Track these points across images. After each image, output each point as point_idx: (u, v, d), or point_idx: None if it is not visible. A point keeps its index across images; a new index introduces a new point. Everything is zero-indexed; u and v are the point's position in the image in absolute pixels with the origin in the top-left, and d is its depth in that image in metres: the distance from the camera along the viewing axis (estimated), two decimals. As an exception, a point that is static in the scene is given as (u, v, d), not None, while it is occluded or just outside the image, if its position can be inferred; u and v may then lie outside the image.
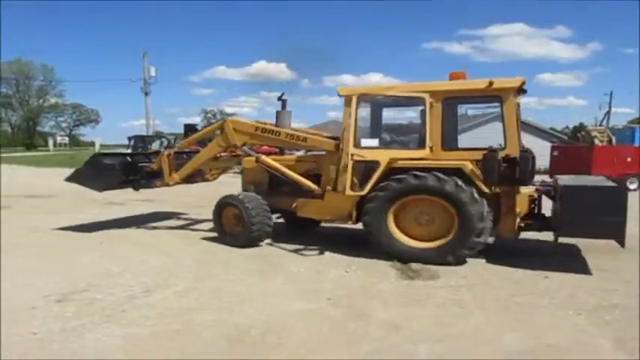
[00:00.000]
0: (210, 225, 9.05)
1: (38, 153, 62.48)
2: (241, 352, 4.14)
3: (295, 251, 7.84)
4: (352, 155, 7.48)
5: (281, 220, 9.33)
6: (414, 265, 7.00)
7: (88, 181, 9.70)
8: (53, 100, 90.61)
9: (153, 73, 37.77)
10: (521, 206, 7.36)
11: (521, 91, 7.56)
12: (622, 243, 6.71)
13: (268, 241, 8.40)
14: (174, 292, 5.71)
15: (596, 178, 9.87)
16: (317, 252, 7.80)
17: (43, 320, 4.72)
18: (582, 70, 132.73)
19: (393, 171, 7.27)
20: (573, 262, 7.28)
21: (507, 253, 7.61)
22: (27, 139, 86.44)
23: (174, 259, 7.26)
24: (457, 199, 6.88)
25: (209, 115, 77.46)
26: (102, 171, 9.58)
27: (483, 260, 7.18)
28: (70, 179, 9.96)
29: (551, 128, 42.01)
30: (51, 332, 4.44)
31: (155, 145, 24.58)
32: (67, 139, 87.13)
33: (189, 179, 10.01)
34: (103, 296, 5.48)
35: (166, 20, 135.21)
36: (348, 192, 7.52)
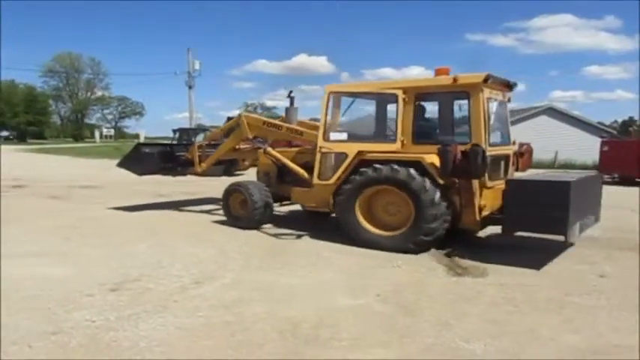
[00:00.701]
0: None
1: (85, 144, 64.48)
2: (295, 345, 4.15)
3: (342, 246, 7.81)
4: (321, 148, 8.16)
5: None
6: (462, 262, 6.93)
7: (132, 166, 11.00)
8: (100, 93, 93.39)
9: (197, 67, 38.35)
10: (490, 200, 7.50)
11: (508, 86, 8.08)
12: (566, 238, 6.65)
13: (313, 235, 8.45)
14: (222, 284, 5.77)
15: (556, 173, 9.69)
16: (366, 248, 7.75)
17: (100, 308, 4.84)
18: (632, 62, 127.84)
19: (364, 163, 7.66)
20: (625, 260, 7.05)
21: (556, 251, 7.41)
22: (75, 130, 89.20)
23: (221, 252, 7.34)
24: (410, 188, 7.24)
25: (249, 108, 78.28)
26: (143, 158, 10.83)
27: (532, 258, 7.01)
28: (119, 164, 11.26)
29: (599, 122, 40.72)
30: (108, 320, 4.54)
31: (199, 138, 24.96)
32: (112, 131, 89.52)
33: (228, 171, 11.22)
34: (155, 286, 5.59)
35: (209, 15, 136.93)
36: (316, 181, 8.28)
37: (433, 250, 7.49)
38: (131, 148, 11.45)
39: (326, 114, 8.28)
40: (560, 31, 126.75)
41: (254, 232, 8.70)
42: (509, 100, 8.42)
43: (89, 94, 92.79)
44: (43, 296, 5.16)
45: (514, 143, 8.46)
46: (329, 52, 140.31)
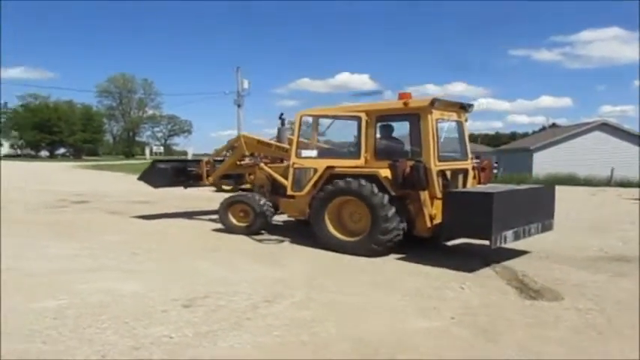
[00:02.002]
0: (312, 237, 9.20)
1: (136, 161, 66.36)
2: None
3: (403, 264, 7.72)
4: (293, 163, 9.20)
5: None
6: (533, 284, 6.70)
7: (149, 180, 12.35)
8: (151, 112, 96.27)
9: (246, 86, 39.00)
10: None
11: (462, 107, 9.09)
12: (491, 243, 7.20)
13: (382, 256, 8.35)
14: (292, 302, 5.73)
15: (497, 185, 10.14)
16: (429, 266, 7.61)
17: (176, 324, 4.88)
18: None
19: (333, 177, 8.64)
20: None
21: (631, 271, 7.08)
22: (126, 147, 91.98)
23: (285, 270, 7.34)
24: (362, 196, 8.18)
25: (293, 126, 78.93)
26: (159, 173, 12.24)
27: (607, 280, 6.71)
28: (139, 178, 12.73)
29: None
30: (185, 337, 4.57)
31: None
32: (162, 148, 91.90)
33: (238, 183, 12.36)
34: (227, 303, 5.60)
35: (255, 35, 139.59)
36: (289, 192, 9.34)
37: (500, 271, 7.33)
38: (148, 165, 13.00)
39: (298, 134, 9.38)
40: (606, 44, 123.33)
41: (313, 249, 8.67)
42: (466, 120, 9.33)
43: (141, 112, 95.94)
44: (118, 311, 5.24)
45: (472, 159, 9.41)
46: (371, 70, 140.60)
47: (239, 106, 39.98)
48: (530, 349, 4.52)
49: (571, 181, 30.99)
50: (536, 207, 8.42)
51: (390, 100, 9.08)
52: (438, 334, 4.85)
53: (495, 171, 44.50)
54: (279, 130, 11.25)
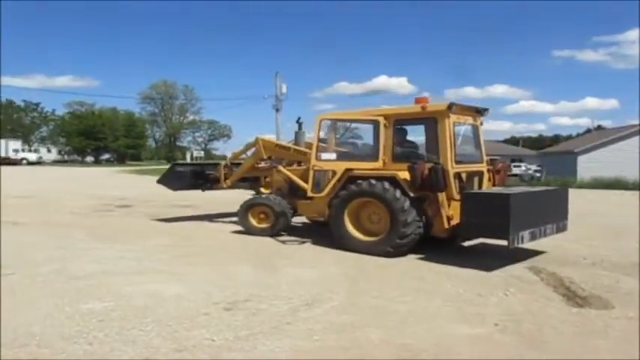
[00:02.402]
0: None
1: (299, 167, 67.51)
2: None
3: (442, 268, 7.61)
4: (313, 166, 9.46)
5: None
6: (581, 291, 6.48)
7: (168, 183, 12.74)
8: (191, 117, 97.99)
9: (284, 91, 39.32)
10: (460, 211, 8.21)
11: (477, 111, 9.32)
12: (509, 243, 7.40)
13: (417, 258, 8.30)
14: (332, 307, 5.71)
15: (516, 187, 10.46)
16: (471, 271, 7.48)
17: (217, 327, 4.92)
18: None
19: (352, 179, 8.87)
20: None
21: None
22: (168, 152, 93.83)
23: (324, 274, 7.33)
24: (384, 199, 8.36)
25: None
26: (178, 176, 12.69)
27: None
28: (158, 181, 13.04)
29: None
30: (227, 340, 4.60)
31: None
32: (202, 152, 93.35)
33: (254, 185, 12.44)
34: (267, 307, 5.62)
35: (293, 39, 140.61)
36: (310, 194, 9.60)
37: (546, 277, 7.15)
38: (167, 168, 13.52)
39: (318, 137, 9.58)
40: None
41: (356, 256, 8.61)
42: (481, 124, 9.54)
43: (182, 118, 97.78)
44: (161, 314, 5.33)
45: (488, 162, 9.56)
46: (410, 72, 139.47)
47: (277, 110, 40.31)
48: (578, 358, 4.38)
49: (618, 184, 29.99)
50: (551, 208, 8.62)
51: (407, 105, 9.35)
52: (481, 340, 4.74)
53: (538, 174, 43.62)
54: (297, 134, 11.48)
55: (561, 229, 8.73)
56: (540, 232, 8.10)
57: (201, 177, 12.66)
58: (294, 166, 11.15)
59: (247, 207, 10.75)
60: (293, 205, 10.50)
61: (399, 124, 9.22)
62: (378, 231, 8.65)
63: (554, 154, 49.95)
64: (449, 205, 8.42)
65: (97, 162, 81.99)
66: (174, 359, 4.17)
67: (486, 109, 9.57)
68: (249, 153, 12.31)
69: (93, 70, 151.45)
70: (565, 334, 4.97)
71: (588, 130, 63.48)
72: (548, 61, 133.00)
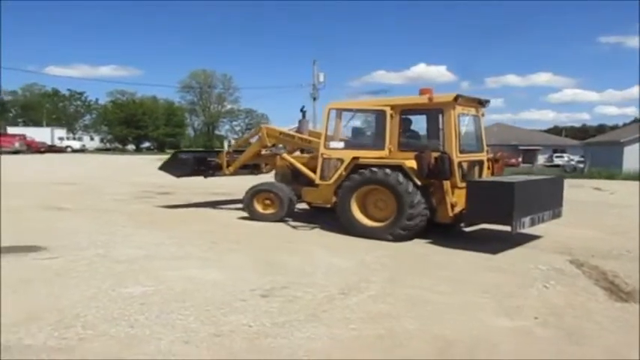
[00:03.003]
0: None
1: (303, 155, 68.45)
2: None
3: (482, 260, 7.50)
4: (322, 154, 9.75)
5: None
6: (625, 286, 6.32)
7: (171, 170, 13.04)
8: (229, 106, 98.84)
9: (322, 79, 39.25)
10: (462, 198, 8.59)
11: (480, 103, 9.68)
12: (512, 228, 7.82)
13: (456, 249, 8.24)
14: (368, 296, 5.71)
15: (516, 176, 10.93)
16: (509, 263, 7.37)
17: (254, 313, 4.98)
18: None
19: (359, 167, 9.19)
20: None
21: None
22: (206, 141, 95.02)
23: (360, 262, 7.33)
24: (393, 187, 8.70)
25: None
26: (180, 163, 12.93)
27: None
28: (160, 168, 13.31)
29: None
30: (264, 326, 4.66)
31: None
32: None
33: (254, 171, 13.13)
34: (303, 295, 5.66)
35: (331, 27, 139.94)
36: (318, 181, 9.88)
37: (588, 270, 6.99)
38: (169, 155, 13.71)
39: (326, 126, 9.95)
40: None
41: (392, 245, 8.59)
42: (482, 115, 9.90)
43: (220, 107, 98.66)
44: (200, 298, 5.42)
45: (487, 152, 9.95)
46: (449, 60, 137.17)
47: (315, 99, 40.32)
48: (620, 354, 4.27)
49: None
50: (549, 196, 9.11)
51: (412, 96, 9.67)
52: (520, 334, 4.67)
53: (582, 165, 42.41)
54: (300, 122, 11.84)
55: (557, 215, 9.26)
56: (539, 219, 8.56)
57: (204, 164, 12.92)
58: (297, 154, 11.61)
59: (253, 193, 11.04)
60: (296, 191, 10.82)
61: (406, 114, 9.54)
62: (384, 217, 9.00)
63: (599, 144, 48.52)
64: (453, 193, 8.75)
65: (138, 150, 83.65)
66: (212, 344, 4.23)
67: (487, 101, 9.97)
68: (252, 140, 12.79)
69: (135, 59, 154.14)
70: (607, 330, 4.85)
71: (636, 120, 61.32)
72: (593, 47, 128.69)
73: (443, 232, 9.15)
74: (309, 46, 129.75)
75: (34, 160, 38.66)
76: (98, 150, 73.57)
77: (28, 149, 54.95)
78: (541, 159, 62.96)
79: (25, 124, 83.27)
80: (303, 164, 10.79)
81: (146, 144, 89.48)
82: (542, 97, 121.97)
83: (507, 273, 6.85)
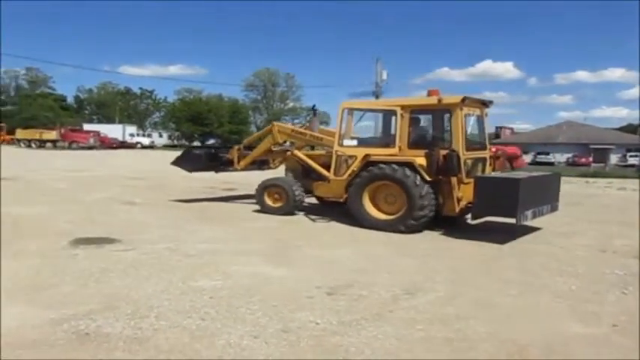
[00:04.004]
0: (452, 229, 9.46)
1: (313, 152, 69.37)
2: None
3: (558, 264, 7.22)
4: (336, 151, 10.33)
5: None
6: None
7: (184, 164, 13.39)
8: (292, 104, 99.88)
9: (384, 77, 38.94)
10: (468, 193, 9.23)
11: (484, 104, 10.30)
12: (517, 220, 8.41)
13: (525, 250, 8.02)
14: (436, 297, 5.62)
15: (519, 172, 11.13)
16: (582, 267, 7.06)
17: (321, 311, 5.01)
18: None
19: (370, 163, 9.73)
20: None
21: None
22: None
23: (424, 263, 7.23)
24: (403, 183, 9.23)
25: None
26: (193, 158, 13.39)
27: None
28: (172, 163, 13.63)
29: None
30: (330, 324, 4.68)
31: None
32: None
33: (262, 167, 13.71)
34: (368, 294, 5.64)
35: (393, 24, 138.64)
36: (331, 177, 10.48)
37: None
38: (183, 151, 14.32)
39: (340, 125, 10.41)
40: None
41: (460, 246, 8.44)
42: (486, 115, 10.47)
43: (282, 105, 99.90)
44: (267, 294, 5.51)
45: (491, 150, 10.71)
46: (516, 57, 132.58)
47: (377, 97, 39.98)
48: None
49: None
50: (547, 191, 9.83)
51: (421, 97, 10.53)
52: (597, 341, 4.46)
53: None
54: (311, 120, 12.46)
55: (554, 209, 9.99)
56: (539, 212, 9.21)
57: (215, 159, 13.37)
58: (306, 151, 12.23)
59: (263, 188, 11.59)
60: (306, 186, 11.32)
61: (415, 114, 10.16)
62: (394, 211, 9.55)
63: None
64: (459, 188, 9.29)
65: (230, 147, 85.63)
66: (280, 340, 4.28)
67: (491, 102, 10.66)
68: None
69: (201, 59, 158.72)
70: (695, 341, 4.54)
71: None
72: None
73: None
74: (373, 44, 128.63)
75: (109, 156, 40.45)
76: (166, 146, 76.08)
77: (102, 145, 57.66)
78: (614, 158, 59.90)
79: (99, 120, 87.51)
80: (314, 160, 11.30)
81: (211, 140, 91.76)
82: (614, 93, 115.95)
83: (582, 278, 6.55)
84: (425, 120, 10.74)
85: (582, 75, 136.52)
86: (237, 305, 5.10)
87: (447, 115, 9.77)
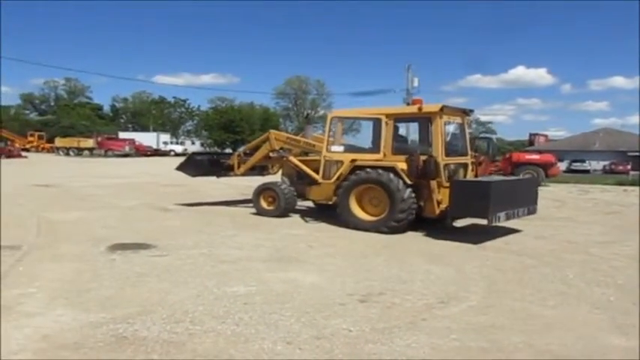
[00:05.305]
0: (487, 237, 9.48)
1: (306, 158, 69.54)
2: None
3: (594, 276, 7.05)
4: (325, 157, 11.12)
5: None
6: None
7: (187, 170, 14.09)
8: (322, 112, 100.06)
9: (416, 84, 38.70)
10: (447, 196, 9.62)
11: (464, 112, 10.94)
12: (488, 222, 8.89)
13: (562, 260, 7.86)
14: (469, 306, 5.56)
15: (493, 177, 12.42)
16: (620, 277, 6.89)
17: (353, 318, 5.01)
18: None
19: (356, 168, 10.33)
20: None
21: None
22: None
23: (458, 271, 7.14)
24: (386, 186, 9.82)
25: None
26: (196, 164, 14.14)
27: None
28: (176, 169, 14.23)
29: None
30: (363, 332, 4.67)
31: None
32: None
33: (262, 172, 14.28)
34: (401, 302, 5.61)
35: (424, 32, 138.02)
36: (320, 180, 11.20)
37: None
38: (186, 157, 15.07)
39: (329, 132, 11.33)
40: None
41: (486, 252, 8.35)
42: (468, 123, 11.29)
43: (313, 112, 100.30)
44: (300, 301, 5.54)
45: (472, 156, 11.09)
46: (549, 63, 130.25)
47: (408, 104, 39.71)
48: None
49: None
50: (523, 195, 10.24)
51: (404, 106, 11.67)
52: (637, 354, 4.34)
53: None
54: (306, 128, 13.26)
55: (531, 211, 10.37)
56: (514, 214, 9.62)
57: (217, 165, 14.06)
58: (301, 156, 12.69)
59: (259, 192, 12.28)
60: (301, 190, 11.97)
61: (398, 122, 10.93)
62: (378, 212, 10.13)
63: None
64: (439, 191, 9.85)
65: (232, 153, 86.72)
66: (314, 347, 4.30)
67: (471, 110, 11.42)
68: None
69: (234, 68, 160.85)
70: None
71: None
72: None
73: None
74: (404, 51, 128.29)
75: (143, 163, 41.22)
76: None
77: (136, 153, 58.84)
78: (653, 166, 58.15)
79: (134, 129, 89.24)
80: (308, 166, 11.90)
81: (242, 148, 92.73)
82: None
83: (621, 289, 6.38)
84: (411, 128, 11.70)
85: (618, 81, 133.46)
86: (270, 311, 5.14)
87: (428, 123, 10.30)
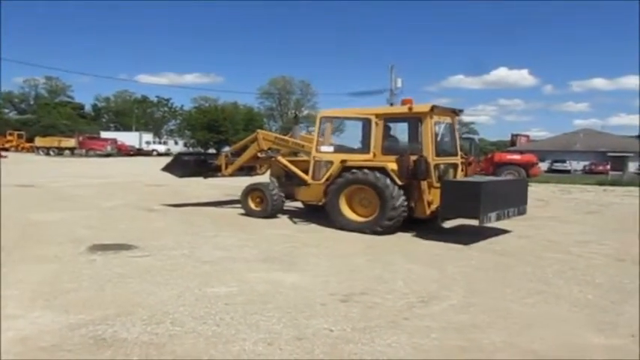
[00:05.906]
0: (475, 238, 9.47)
1: (295, 158, 69.42)
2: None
3: (573, 274, 7.14)
4: (314, 157, 10.96)
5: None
6: None
7: (173, 170, 13.91)
8: (306, 112, 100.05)
9: (399, 85, 38.86)
10: (438, 196, 9.55)
11: (454, 112, 10.86)
12: (479, 222, 8.83)
13: (543, 259, 7.92)
14: (450, 305, 5.59)
15: (483, 177, 12.39)
16: (599, 276, 6.98)
17: (334, 318, 5.01)
18: None
19: (346, 168, 10.22)
20: None
21: None
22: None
23: (440, 270, 7.18)
24: (377, 186, 9.73)
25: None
26: (182, 164, 13.93)
27: None
28: (162, 169, 14.12)
29: None
30: (344, 331, 4.67)
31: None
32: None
33: (250, 172, 14.09)
34: (382, 301, 5.63)
35: (406, 32, 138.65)
36: (310, 181, 11.06)
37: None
38: (173, 157, 14.90)
39: (318, 132, 11.13)
40: None
41: (470, 252, 8.41)
42: (457, 123, 11.23)
43: (297, 112, 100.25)
44: (281, 301, 5.52)
45: (462, 156, 11.01)
46: (531, 64, 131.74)
47: (391, 104, 39.86)
48: None
49: None
50: (514, 195, 10.24)
51: (394, 106, 11.43)
52: (616, 352, 4.40)
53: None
54: (293, 128, 13.11)
55: (521, 212, 10.32)
56: (505, 214, 9.58)
57: (204, 165, 13.92)
58: (290, 157, 12.55)
59: (247, 192, 12.20)
60: (289, 190, 11.89)
61: (388, 122, 10.72)
62: (368, 213, 10.04)
63: None
64: (429, 192, 9.79)
65: (219, 154, 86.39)
66: (294, 347, 4.29)
67: (461, 110, 11.34)
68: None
69: (217, 67, 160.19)
70: None
71: None
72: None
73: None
74: (387, 52, 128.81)
75: (125, 163, 40.85)
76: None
77: (119, 152, 58.28)
78: (632, 166, 59.05)
79: (117, 128, 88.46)
80: (297, 166, 11.76)
81: (226, 148, 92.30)
82: (631, 100, 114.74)
83: (599, 288, 6.47)
84: (401, 128, 11.47)
85: (599, 82, 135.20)
86: (251, 312, 5.12)
87: (418, 123, 10.19)
